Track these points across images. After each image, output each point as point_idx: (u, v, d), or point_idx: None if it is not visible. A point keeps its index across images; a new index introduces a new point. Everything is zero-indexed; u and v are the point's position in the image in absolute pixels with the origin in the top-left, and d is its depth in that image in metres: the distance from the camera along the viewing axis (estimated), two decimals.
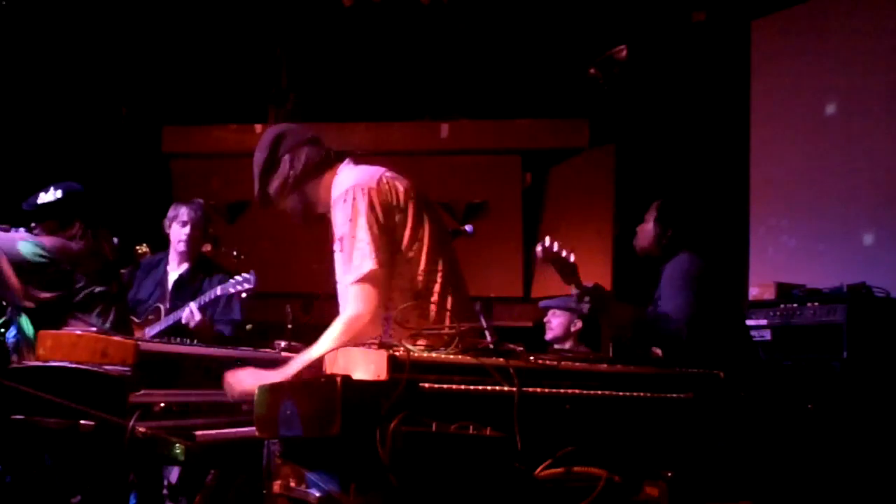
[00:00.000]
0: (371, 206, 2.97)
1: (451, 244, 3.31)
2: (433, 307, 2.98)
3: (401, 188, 3.06)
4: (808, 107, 6.14)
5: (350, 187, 3.01)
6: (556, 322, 5.48)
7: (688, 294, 3.70)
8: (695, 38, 6.77)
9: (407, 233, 3.02)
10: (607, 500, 2.47)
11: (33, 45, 7.08)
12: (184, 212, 4.81)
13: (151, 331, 4.64)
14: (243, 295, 4.60)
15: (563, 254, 3.67)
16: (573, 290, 3.73)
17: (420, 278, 3.01)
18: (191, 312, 4.52)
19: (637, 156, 7.07)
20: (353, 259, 2.94)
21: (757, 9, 6.46)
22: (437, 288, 3.02)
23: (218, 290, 4.58)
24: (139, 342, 3.10)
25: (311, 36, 7.92)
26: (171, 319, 4.61)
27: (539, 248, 3.69)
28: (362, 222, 2.95)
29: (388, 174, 3.12)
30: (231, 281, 4.58)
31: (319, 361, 2.78)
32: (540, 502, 2.42)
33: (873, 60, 5.78)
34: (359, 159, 3.23)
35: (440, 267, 3.05)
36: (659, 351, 4.12)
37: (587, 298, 3.70)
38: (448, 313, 2.97)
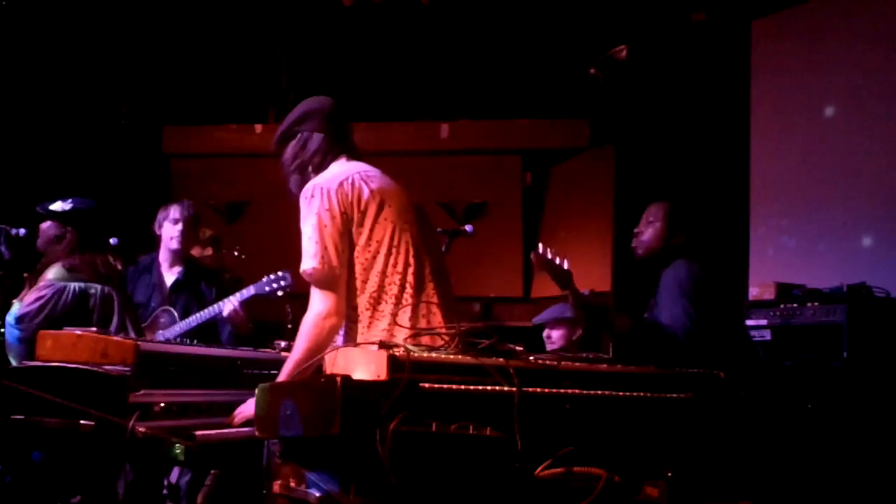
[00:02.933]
0: (327, 207, 2.97)
1: (437, 247, 3.27)
2: (390, 309, 2.98)
3: (367, 189, 3.04)
4: (807, 107, 6.13)
5: (314, 185, 3.03)
6: (556, 334, 5.43)
7: (685, 303, 3.68)
8: (695, 38, 6.77)
9: (364, 234, 3.01)
10: (607, 500, 2.47)
11: (33, 46, 7.08)
12: (175, 210, 4.81)
13: (169, 333, 4.64)
14: (279, 294, 4.62)
15: (557, 261, 3.67)
16: (570, 298, 3.73)
17: (375, 279, 2.99)
18: (234, 309, 4.54)
19: (637, 156, 7.06)
20: (303, 257, 2.98)
21: (757, 9, 6.46)
22: (394, 290, 3.00)
23: (252, 289, 4.60)
24: (139, 342, 3.10)
25: (311, 36, 7.92)
26: (197, 320, 4.60)
27: (533, 257, 3.69)
28: (314, 222, 2.96)
29: (361, 174, 3.08)
30: (266, 279, 4.60)
31: (305, 369, 2.82)
32: (540, 502, 2.42)
33: (873, 61, 5.78)
34: (352, 157, 3.20)
35: (403, 269, 3.01)
36: None
37: (580, 311, 3.71)
38: (396, 318, 2.95)
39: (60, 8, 7.09)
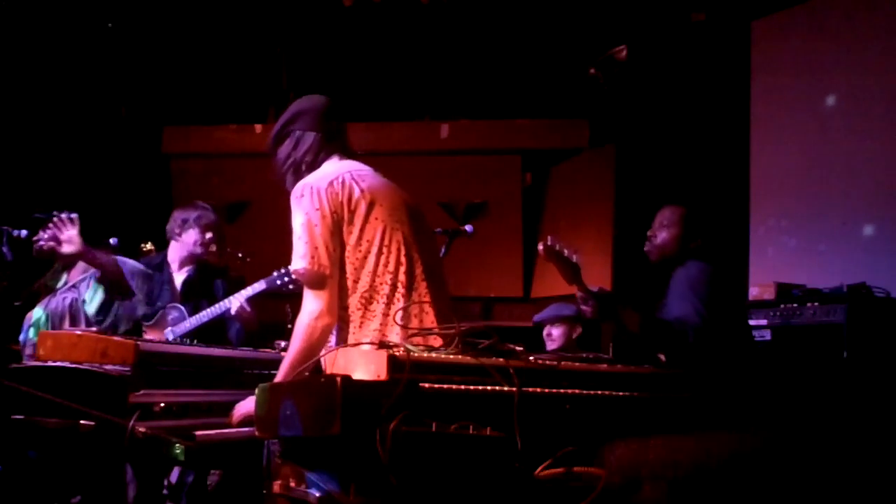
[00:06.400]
0: (317, 207, 2.96)
1: (432, 247, 3.26)
2: (382, 309, 2.96)
3: (357, 188, 3.02)
4: (807, 107, 6.14)
5: (304, 185, 3.02)
6: (556, 332, 5.42)
7: (695, 302, 3.66)
8: (695, 38, 6.77)
9: (354, 233, 2.99)
10: (607, 500, 2.47)
11: (33, 46, 7.08)
12: (204, 215, 4.78)
13: (179, 330, 4.64)
14: (291, 287, 4.59)
15: (566, 253, 3.63)
16: (577, 293, 3.68)
17: (367, 279, 2.98)
18: (242, 306, 4.53)
19: (637, 156, 7.07)
20: (293, 257, 2.97)
21: (757, 9, 6.46)
22: (385, 290, 2.98)
23: (263, 284, 4.57)
24: (139, 342, 3.10)
25: (311, 36, 7.92)
26: (206, 316, 4.59)
27: (541, 246, 3.64)
28: (304, 221, 2.95)
29: (352, 173, 3.07)
30: (275, 274, 4.59)
31: (302, 370, 2.82)
32: (540, 502, 2.42)
33: (873, 60, 5.78)
34: (346, 156, 3.20)
35: (394, 269, 3.00)
36: (663, 357, 4.10)
37: (591, 303, 3.66)
38: (390, 318, 2.93)
39: (60, 8, 7.09)
